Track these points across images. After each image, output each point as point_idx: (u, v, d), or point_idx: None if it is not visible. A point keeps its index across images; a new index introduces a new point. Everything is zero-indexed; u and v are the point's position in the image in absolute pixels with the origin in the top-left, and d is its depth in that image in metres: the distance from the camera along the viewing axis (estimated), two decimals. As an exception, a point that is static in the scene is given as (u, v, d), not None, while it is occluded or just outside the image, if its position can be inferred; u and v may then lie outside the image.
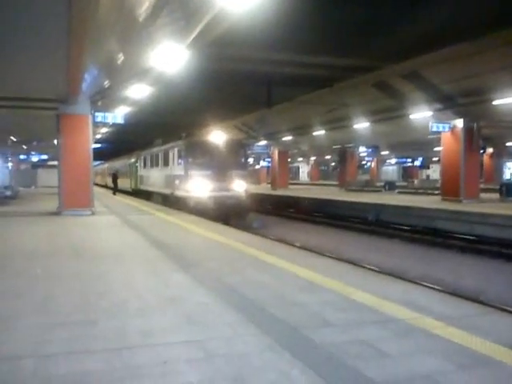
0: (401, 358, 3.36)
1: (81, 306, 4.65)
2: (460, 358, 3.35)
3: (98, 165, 52.41)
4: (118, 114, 16.37)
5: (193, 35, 9.55)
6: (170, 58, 10.62)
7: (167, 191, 19.62)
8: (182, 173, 17.56)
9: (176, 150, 18.63)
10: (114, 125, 20.43)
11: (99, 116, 15.21)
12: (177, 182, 18.22)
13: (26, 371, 3.14)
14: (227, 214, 16.40)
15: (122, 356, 3.37)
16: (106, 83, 14.94)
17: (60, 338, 3.75)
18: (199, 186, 16.70)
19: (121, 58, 11.98)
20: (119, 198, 25.50)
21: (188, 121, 24.49)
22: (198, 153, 17.67)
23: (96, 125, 17.02)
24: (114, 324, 4.09)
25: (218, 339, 3.72)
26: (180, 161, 18.02)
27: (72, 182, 14.38)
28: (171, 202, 18.69)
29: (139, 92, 15.37)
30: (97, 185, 43.63)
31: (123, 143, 36.70)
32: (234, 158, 18.02)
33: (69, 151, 14.50)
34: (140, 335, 3.80)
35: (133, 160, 28.86)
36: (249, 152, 24.20)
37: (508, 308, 6.65)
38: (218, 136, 18.14)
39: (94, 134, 23.05)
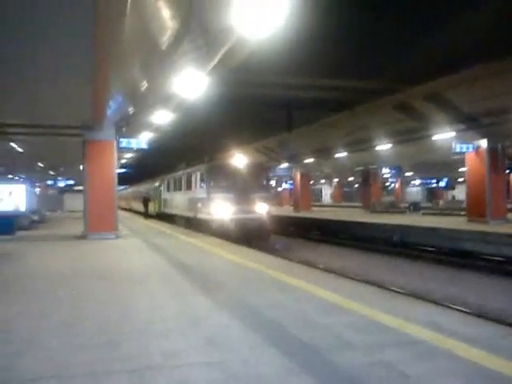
0: (424, 380, 3.31)
1: (104, 328, 4.71)
2: (484, 380, 3.28)
3: (122, 189, 53.23)
4: (142, 140, 16.74)
5: (213, 62, 9.78)
6: (191, 84, 10.87)
7: (190, 214, 19.77)
8: (205, 196, 17.71)
9: (198, 173, 18.82)
10: (138, 150, 20.82)
11: (124, 141, 15.56)
12: (199, 204, 18.36)
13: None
14: (249, 236, 16.44)
15: (143, 377, 3.41)
16: (131, 109, 15.32)
17: (83, 359, 3.80)
18: (221, 209, 16.80)
19: (144, 85, 12.30)
20: (143, 221, 25.80)
21: (210, 145, 24.81)
22: (219, 176, 17.85)
23: (120, 150, 17.37)
24: (137, 346, 4.13)
25: (239, 361, 3.72)
26: (202, 184, 18.18)
27: (97, 206, 14.65)
28: (194, 224, 18.82)
29: (162, 118, 15.70)
30: (121, 208, 44.29)
31: (147, 167, 37.30)
32: (256, 181, 18.14)
33: (94, 176, 14.82)
34: (162, 356, 3.83)
35: (157, 184, 29.25)
36: (271, 174, 24.35)
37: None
38: (239, 159, 18.32)
39: (119, 159, 23.45)
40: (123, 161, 31.06)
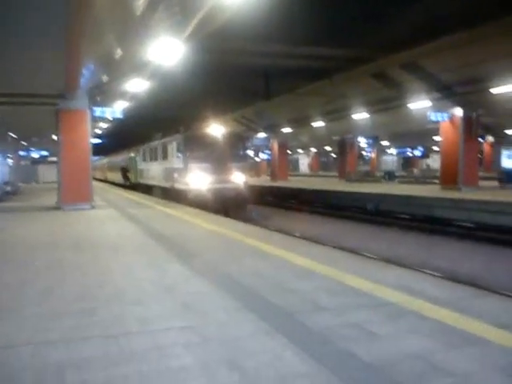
0: (391, 339, 3.44)
1: (81, 296, 4.74)
2: (450, 338, 3.43)
3: (97, 160, 52.53)
4: (117, 109, 16.44)
5: (190, 29, 9.59)
6: (167, 51, 10.66)
7: (167, 184, 19.70)
8: (181, 166, 17.66)
9: (175, 143, 18.68)
10: (112, 119, 20.50)
11: (98, 111, 15.26)
12: (176, 175, 18.31)
13: (24, 357, 3.23)
14: (227, 205, 16.50)
15: (119, 342, 3.46)
16: (105, 78, 14.98)
17: (60, 326, 3.84)
18: (198, 179, 16.79)
19: (119, 52, 12.01)
20: (118, 191, 25.59)
21: (186, 114, 24.53)
22: (196, 146, 17.73)
23: (95, 120, 17.09)
24: (112, 312, 4.18)
25: (214, 325, 3.80)
26: (179, 154, 18.09)
27: (71, 177, 14.45)
28: (171, 195, 18.76)
29: (137, 86, 15.40)
30: (97, 179, 43.84)
31: (122, 138, 36.82)
32: (233, 151, 18.09)
33: (68, 146, 14.55)
34: (138, 322, 3.89)
35: (132, 154, 28.94)
36: (248, 144, 24.25)
37: (502, 291, 6.73)
38: (216, 129, 18.20)
39: (93, 128, 23.07)
40: (98, 131, 30.53)
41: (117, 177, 35.47)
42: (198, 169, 16.97)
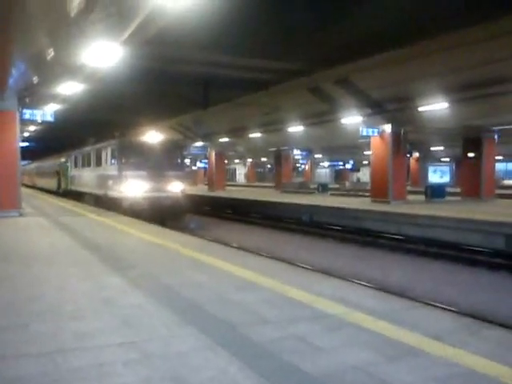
0: (333, 351, 3.50)
1: (11, 310, 4.46)
2: (389, 349, 3.53)
3: (26, 164, 50.09)
4: (48, 112, 15.72)
5: (127, 33, 9.37)
6: (103, 55, 10.35)
7: (100, 192, 18.99)
8: (116, 173, 17.06)
9: (109, 149, 18.04)
10: (43, 122, 19.59)
11: (27, 113, 14.53)
12: (110, 182, 17.67)
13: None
14: (163, 215, 16.13)
15: (55, 360, 3.28)
16: (35, 79, 14.32)
17: (-13, 343, 3.59)
18: (133, 187, 16.31)
19: (51, 53, 11.53)
20: (48, 198, 24.48)
21: (123, 120, 23.99)
22: (132, 152, 17.26)
23: (24, 122, 16.27)
24: (47, 327, 3.97)
25: (155, 340, 3.70)
26: (113, 160, 17.50)
27: (-2, 182, 13.67)
28: (104, 202, 18.12)
29: (70, 89, 14.85)
30: (25, 185, 41.76)
31: (54, 142, 35.28)
32: (170, 159, 17.77)
33: (-6, 149, 13.76)
34: (74, 338, 3.71)
35: (63, 159, 27.76)
36: (185, 153, 23.98)
37: (433, 303, 7.05)
38: (153, 136, 17.80)
39: (22, 131, 21.98)
40: (27, 134, 29.10)
41: (46, 183, 33.92)
42: (133, 176, 16.45)
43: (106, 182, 18.21)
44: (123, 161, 16.98)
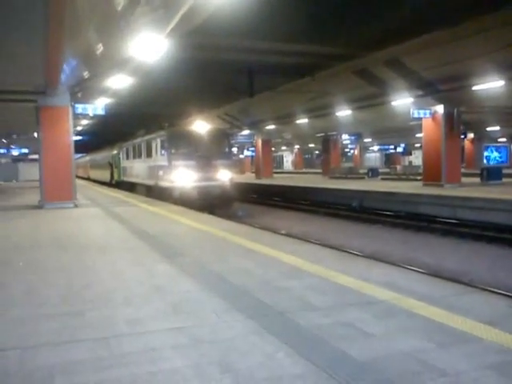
0: (383, 337, 3.44)
1: (67, 297, 4.65)
2: (440, 336, 3.43)
3: (79, 157, 51.96)
4: (99, 105, 16.20)
5: (172, 24, 9.47)
6: (149, 47, 10.52)
7: (151, 182, 19.36)
8: (166, 163, 17.33)
9: (159, 140, 18.31)
10: (95, 116, 20.22)
11: (79, 107, 15.05)
12: (160, 172, 17.99)
13: (11, 362, 3.15)
14: (212, 203, 16.28)
15: (108, 345, 3.40)
16: (86, 74, 14.76)
17: (47, 329, 3.75)
18: (183, 176, 16.54)
19: (100, 48, 11.83)
20: (101, 190, 25.31)
21: (170, 111, 24.35)
22: (181, 143, 17.50)
23: (76, 117, 16.82)
24: (101, 314, 4.11)
25: (204, 326, 3.75)
26: (163, 151, 17.76)
27: (53, 175, 14.24)
28: (155, 192, 18.47)
29: (120, 82, 15.20)
30: (79, 177, 43.34)
31: (105, 135, 36.39)
32: (218, 148, 17.89)
33: (49, 144, 14.32)
34: (126, 324, 3.83)
35: (115, 151, 28.55)
36: (233, 141, 24.06)
37: (488, 288, 6.80)
38: (201, 125, 17.95)
39: (75, 126, 22.74)
40: (80, 128, 30.14)
41: (99, 174, 35.01)
42: (182, 166, 16.68)
43: (156, 172, 18.54)
44: (172, 151, 17.22)
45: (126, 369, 2.99)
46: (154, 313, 4.10)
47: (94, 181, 37.16)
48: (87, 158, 45.90)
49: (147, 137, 20.52)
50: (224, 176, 17.30)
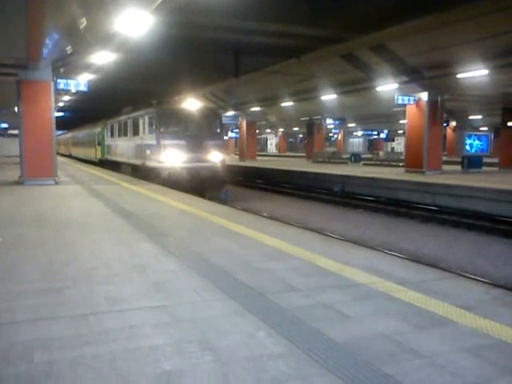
0: (361, 319, 3.49)
1: (46, 274, 4.62)
2: (417, 319, 3.50)
3: (61, 134, 51.19)
4: (82, 81, 15.91)
5: (158, 0, 9.30)
6: (134, 23, 10.32)
7: (137, 162, 18.72)
8: (154, 142, 16.66)
9: (147, 117, 17.59)
10: (77, 92, 19.88)
11: (61, 83, 14.75)
12: (148, 151, 17.35)
13: (-10, 337, 3.13)
14: (202, 185, 15.85)
15: (88, 322, 3.39)
16: (69, 49, 14.45)
17: (25, 305, 3.73)
18: (172, 156, 15.94)
19: (83, 22, 11.57)
20: (84, 167, 25.01)
21: (155, 89, 24.04)
22: (170, 121, 16.84)
23: (58, 92, 16.53)
24: (80, 291, 4.09)
25: (185, 305, 3.77)
26: (151, 129, 17.06)
27: (34, 151, 14.03)
28: (142, 172, 17.90)
29: (103, 58, 14.92)
30: (60, 155, 42.74)
31: (88, 112, 35.75)
32: (210, 128, 17.29)
33: (30, 119, 14.07)
34: (106, 302, 3.82)
35: (99, 129, 27.83)
36: (224, 121, 23.28)
37: (465, 274, 6.95)
38: (192, 104, 17.35)
39: (57, 101, 22.37)
40: (62, 104, 29.61)
41: (82, 152, 34.43)
42: (172, 146, 16.05)
43: (143, 151, 17.94)
44: (162, 130, 16.53)
45: (105, 346, 2.99)
46: (134, 291, 4.10)
47: (76, 158, 36.64)
48: (69, 134, 45.12)
49: (134, 114, 19.76)
50: (215, 157, 16.74)
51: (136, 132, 19.05)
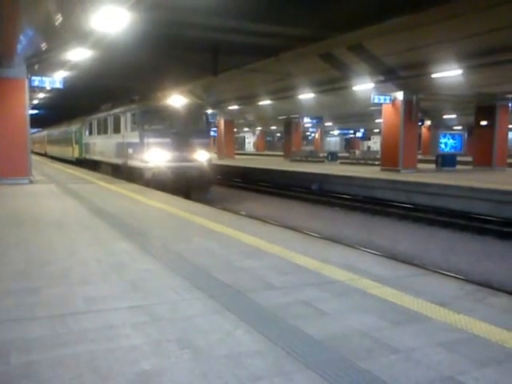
0: (338, 316, 3.55)
1: (23, 274, 4.56)
2: (393, 315, 3.57)
3: (36, 132, 50.31)
4: (57, 79, 15.66)
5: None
6: (111, 20, 10.23)
7: (119, 161, 17.78)
8: (137, 140, 15.69)
9: (129, 114, 16.63)
10: (52, 90, 19.58)
11: (36, 80, 14.48)
12: (130, 150, 16.36)
13: (-35, 339, 3.08)
14: (188, 186, 15.19)
15: (66, 322, 3.36)
16: (44, 45, 14.25)
17: (1, 306, 3.68)
18: (156, 155, 15.06)
19: (59, 19, 11.43)
20: (60, 166, 24.62)
21: (134, 86, 23.79)
22: (155, 118, 15.90)
23: (33, 90, 16.25)
24: (58, 291, 4.05)
25: (164, 304, 3.77)
26: (134, 127, 16.09)
27: (8, 149, 13.76)
28: (123, 172, 17.04)
29: (79, 55, 14.75)
30: (36, 153, 41.97)
31: (65, 109, 35.24)
32: (196, 125, 16.41)
33: (3, 117, 13.80)
34: (84, 302, 3.79)
35: (77, 126, 26.80)
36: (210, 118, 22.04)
37: (440, 270, 7.09)
38: (177, 100, 16.45)
39: (31, 99, 21.98)
40: (36, 101, 29.11)
41: (59, 151, 33.65)
42: (156, 144, 15.19)
43: (125, 150, 16.96)
44: (145, 127, 15.60)
45: (83, 346, 2.97)
46: (112, 291, 4.08)
47: (52, 157, 35.88)
48: (44, 132, 44.14)
49: (115, 110, 18.77)
50: (202, 156, 15.92)
51: (117, 130, 18.14)
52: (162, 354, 2.87)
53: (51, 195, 11.44)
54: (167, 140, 15.33)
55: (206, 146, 16.43)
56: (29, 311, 3.58)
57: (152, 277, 4.51)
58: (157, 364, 2.74)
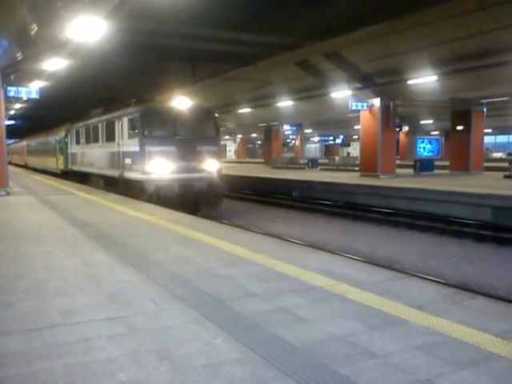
0: (318, 322, 3.55)
1: (-4, 288, 4.47)
2: (372, 319, 3.59)
3: (13, 143, 49.55)
4: (33, 89, 15.45)
5: (111, 5, 9.21)
6: (87, 29, 10.16)
7: (113, 173, 15.67)
8: (137, 149, 13.72)
9: (126, 119, 14.51)
10: (29, 100, 19.34)
11: (12, 90, 14.24)
12: (128, 160, 14.41)
13: None
14: (196, 200, 13.77)
15: (41, 336, 3.30)
16: (19, 55, 14.08)
17: (-26, 321, 3.60)
18: (160, 166, 13.28)
19: (34, 28, 11.32)
20: (39, 178, 24.18)
21: (111, 96, 23.66)
22: (157, 123, 13.99)
23: (9, 100, 16.02)
24: (33, 304, 3.98)
25: (142, 315, 3.72)
26: (133, 134, 14.10)
27: (-17, 161, 13.53)
28: (119, 186, 15.20)
29: (56, 65, 14.61)
30: (15, 165, 41.23)
31: (44, 119, 34.63)
32: (204, 131, 14.56)
33: (-22, 128, 13.57)
34: (60, 314, 3.73)
35: (61, 135, 24.84)
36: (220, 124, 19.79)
37: (418, 274, 7.16)
38: (182, 102, 14.38)
39: (7, 110, 21.65)
40: (12, 112, 28.70)
41: (40, 162, 32.03)
42: (159, 153, 13.38)
43: (121, 160, 14.96)
44: (146, 133, 13.63)
45: (59, 360, 2.92)
46: (89, 302, 4.02)
47: (34, 169, 34.59)
48: (24, 143, 42.77)
49: (108, 116, 16.58)
50: (211, 166, 14.16)
51: (111, 137, 15.98)
52: (139, 365, 2.84)
53: (29, 207, 11.26)
54: (172, 148, 13.58)
55: (216, 155, 14.58)
56: (3, 325, 3.50)
57: (130, 287, 4.46)
58: (134, 376, 2.70)
